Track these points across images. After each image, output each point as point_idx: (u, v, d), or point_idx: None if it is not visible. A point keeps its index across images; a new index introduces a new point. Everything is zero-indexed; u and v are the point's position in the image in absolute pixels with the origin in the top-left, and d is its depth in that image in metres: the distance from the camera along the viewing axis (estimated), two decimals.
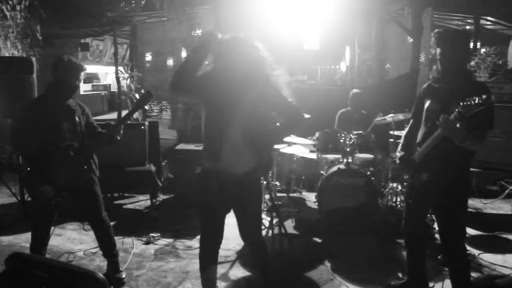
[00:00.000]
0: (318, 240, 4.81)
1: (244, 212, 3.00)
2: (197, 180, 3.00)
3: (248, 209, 2.98)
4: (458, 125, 2.73)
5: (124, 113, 9.13)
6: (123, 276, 3.79)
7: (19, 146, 3.52)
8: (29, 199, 5.62)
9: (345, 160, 5.17)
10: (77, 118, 3.54)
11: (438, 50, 2.96)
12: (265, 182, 3.74)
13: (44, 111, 3.42)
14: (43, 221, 3.60)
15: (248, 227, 3.05)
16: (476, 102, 2.55)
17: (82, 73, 3.55)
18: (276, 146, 5.56)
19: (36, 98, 3.72)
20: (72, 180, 3.44)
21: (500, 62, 8.04)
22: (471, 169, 3.17)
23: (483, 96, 2.55)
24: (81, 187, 3.54)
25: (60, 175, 3.36)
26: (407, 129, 3.44)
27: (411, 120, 3.39)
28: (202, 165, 2.98)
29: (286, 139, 5.36)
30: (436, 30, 3.02)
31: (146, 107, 3.51)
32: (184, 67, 2.75)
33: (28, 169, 3.53)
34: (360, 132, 5.32)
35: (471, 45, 8.14)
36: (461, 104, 2.60)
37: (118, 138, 3.55)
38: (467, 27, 9.43)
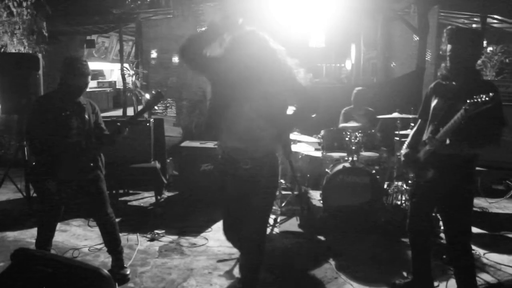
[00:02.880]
0: (323, 238, 4.80)
1: (248, 205, 2.90)
2: (215, 169, 3.02)
3: (253, 202, 2.89)
4: (448, 141, 2.75)
5: (130, 110, 9.17)
6: (128, 272, 3.80)
7: (30, 136, 3.54)
8: (34, 195, 5.65)
9: (350, 158, 5.16)
10: (86, 116, 3.56)
11: (449, 46, 2.95)
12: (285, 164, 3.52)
13: (55, 106, 3.45)
14: (48, 216, 3.63)
15: (246, 223, 2.94)
16: (483, 99, 2.54)
17: (89, 77, 3.56)
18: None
19: (49, 92, 3.78)
20: (78, 177, 3.46)
21: (507, 60, 8.00)
22: (477, 168, 3.15)
23: (490, 94, 2.54)
24: (87, 184, 3.56)
25: (65, 171, 3.38)
26: (415, 128, 3.42)
27: (419, 120, 3.37)
28: (218, 146, 2.98)
29: (295, 132, 5.37)
30: (449, 27, 3.00)
31: (156, 108, 3.56)
32: (195, 38, 2.78)
33: (34, 163, 3.55)
34: (366, 129, 5.30)
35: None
36: (468, 101, 2.59)
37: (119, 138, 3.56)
38: (474, 25, 9.37)
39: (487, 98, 2.54)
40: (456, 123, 2.71)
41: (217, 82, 2.87)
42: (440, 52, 7.36)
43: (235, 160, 2.86)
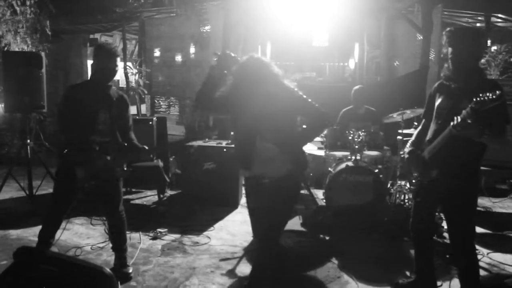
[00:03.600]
0: (326, 237, 4.79)
1: (265, 212, 2.99)
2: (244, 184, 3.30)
3: (266, 203, 2.96)
4: (469, 121, 2.69)
5: (133, 109, 9.19)
6: (130, 271, 3.79)
7: (63, 123, 3.54)
8: (37, 193, 5.67)
9: (353, 157, 5.15)
10: (114, 112, 3.54)
11: (450, 49, 2.93)
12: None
13: (84, 96, 3.45)
14: (59, 204, 3.63)
15: (258, 221, 3.09)
16: (490, 97, 2.52)
17: (119, 58, 3.59)
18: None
19: (80, 82, 3.84)
20: (101, 174, 3.47)
21: (511, 59, 7.96)
22: (481, 167, 3.14)
23: (497, 92, 2.52)
24: (106, 182, 3.58)
25: (88, 167, 3.38)
26: (419, 128, 3.39)
27: (423, 120, 3.34)
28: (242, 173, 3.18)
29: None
30: (448, 29, 2.99)
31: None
32: (204, 86, 2.97)
33: (64, 151, 3.55)
34: (369, 128, 5.29)
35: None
36: (474, 100, 2.57)
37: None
38: (478, 24, 9.35)
39: (493, 96, 2.52)
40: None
41: (236, 117, 3.01)
42: (442, 55, 7.36)
43: (256, 176, 2.96)
